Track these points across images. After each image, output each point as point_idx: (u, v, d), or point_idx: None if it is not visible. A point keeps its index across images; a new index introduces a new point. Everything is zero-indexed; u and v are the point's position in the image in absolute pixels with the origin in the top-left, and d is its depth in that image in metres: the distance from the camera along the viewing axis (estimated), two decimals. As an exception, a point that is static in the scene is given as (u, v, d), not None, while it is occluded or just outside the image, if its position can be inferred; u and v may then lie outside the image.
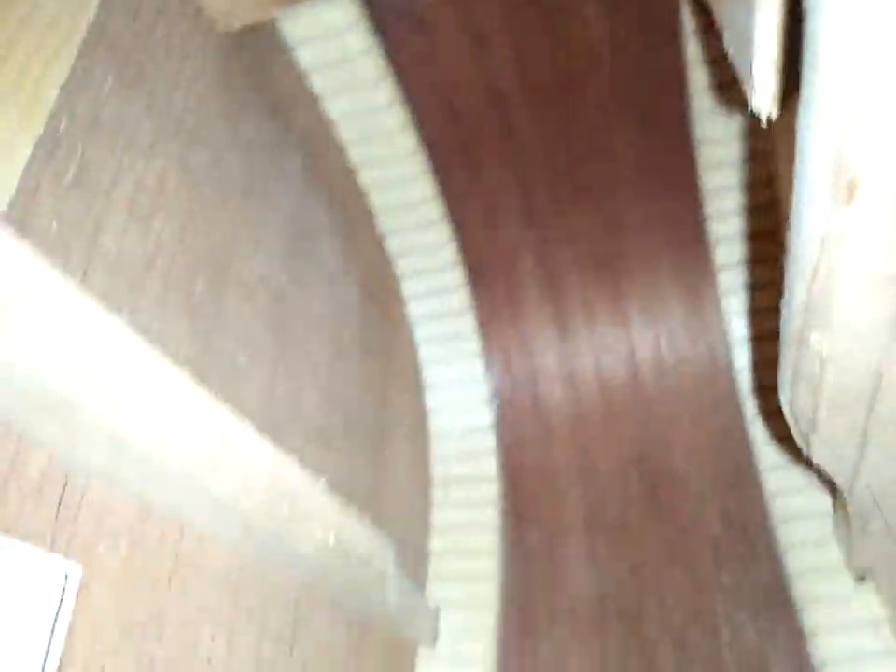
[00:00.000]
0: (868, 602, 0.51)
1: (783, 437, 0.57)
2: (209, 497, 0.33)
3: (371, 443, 0.57)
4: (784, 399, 0.33)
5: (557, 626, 0.57)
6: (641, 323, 0.67)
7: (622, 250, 0.67)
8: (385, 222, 0.69)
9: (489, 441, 0.68)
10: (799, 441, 0.36)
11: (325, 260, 0.56)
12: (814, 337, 0.28)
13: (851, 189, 0.22)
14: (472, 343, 0.70)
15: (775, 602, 0.54)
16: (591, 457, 0.66)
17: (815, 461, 0.37)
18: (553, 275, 0.70)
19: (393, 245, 0.69)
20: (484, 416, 0.68)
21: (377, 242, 0.69)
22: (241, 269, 0.45)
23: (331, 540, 0.39)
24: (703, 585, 0.57)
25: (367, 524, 0.43)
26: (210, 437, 0.34)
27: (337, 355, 0.55)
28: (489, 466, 0.67)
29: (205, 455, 0.33)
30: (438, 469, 0.67)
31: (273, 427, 0.44)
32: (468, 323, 0.70)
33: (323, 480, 0.39)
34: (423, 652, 0.58)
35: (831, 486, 0.42)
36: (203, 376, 0.39)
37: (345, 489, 0.50)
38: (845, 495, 0.42)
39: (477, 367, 0.70)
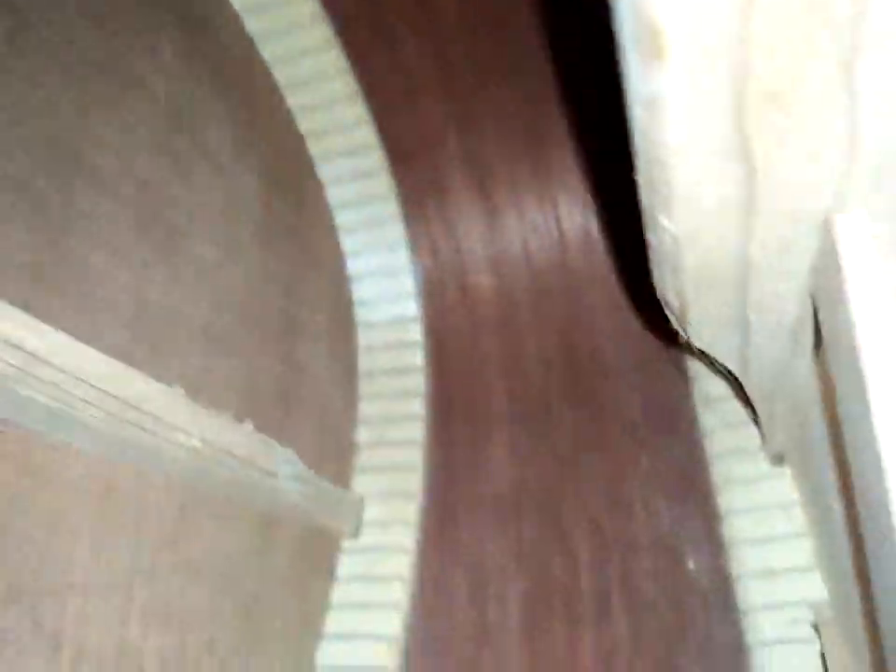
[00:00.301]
0: (782, 485, 0.50)
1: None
2: (47, 407, 0.31)
3: (280, 341, 0.55)
4: (655, 282, 0.30)
5: (477, 515, 0.57)
6: (570, 204, 0.63)
7: (549, 126, 0.62)
8: (293, 100, 0.63)
9: (416, 332, 0.65)
10: (676, 326, 0.33)
11: (213, 149, 0.52)
12: (661, 216, 0.25)
13: (657, 42, 0.19)
14: (397, 231, 0.66)
15: (691, 486, 0.54)
16: (518, 346, 0.64)
17: (696, 346, 0.35)
18: (477, 156, 0.65)
19: (305, 125, 0.64)
20: (411, 307, 0.66)
21: (286, 122, 0.64)
22: (96, 157, 0.41)
23: (198, 444, 0.37)
24: (620, 470, 0.56)
25: (246, 426, 0.42)
26: (46, 345, 0.31)
27: (232, 252, 0.51)
28: (416, 357, 0.65)
29: (44, 364, 0.31)
30: (364, 361, 0.65)
31: (145, 334, 0.41)
32: (391, 209, 0.66)
33: (178, 386, 0.37)
34: (346, 545, 0.58)
35: (727, 373, 0.40)
36: (47, 283, 0.37)
37: (246, 390, 0.49)
38: (742, 380, 0.40)
39: (402, 256, 0.66)
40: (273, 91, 0.63)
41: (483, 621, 0.53)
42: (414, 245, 0.67)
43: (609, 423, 0.57)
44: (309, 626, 0.53)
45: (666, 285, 0.30)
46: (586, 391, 0.60)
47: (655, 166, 0.23)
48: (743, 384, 0.40)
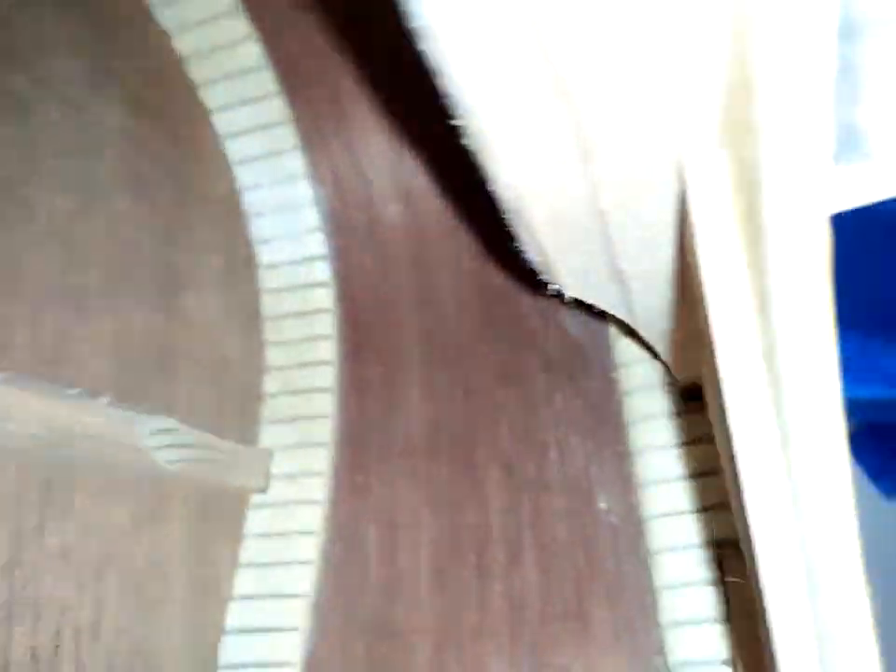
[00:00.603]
0: (694, 421, 0.48)
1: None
2: None
3: (160, 294, 0.50)
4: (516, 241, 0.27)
5: (389, 461, 0.55)
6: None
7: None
8: (166, 18, 0.57)
9: (323, 272, 0.61)
10: (550, 283, 0.30)
11: (60, 79, 0.46)
12: (494, 168, 0.21)
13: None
14: (295, 160, 0.61)
15: (604, 423, 0.52)
16: (430, 281, 0.60)
17: (569, 294, 0.31)
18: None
19: (182, 46, 0.57)
20: (316, 244, 0.61)
21: (158, 44, 0.57)
22: None
23: (40, 432, 0.34)
24: (535, 409, 0.54)
25: (101, 401, 0.38)
26: None
27: (92, 199, 0.46)
28: (324, 298, 0.61)
29: None
30: (267, 305, 0.61)
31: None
32: (288, 138, 0.61)
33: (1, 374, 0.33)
34: (255, 500, 0.56)
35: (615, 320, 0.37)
36: None
37: (116, 355, 0.45)
38: (633, 325, 0.37)
39: (303, 188, 0.61)
40: (139, 7, 0.56)
41: (394, 573, 0.51)
42: (316, 175, 0.62)
43: (524, 360, 0.54)
44: (214, 590, 0.51)
45: (524, 243, 0.26)
46: (502, 328, 0.57)
47: (468, 111, 0.19)
48: (635, 328, 0.37)
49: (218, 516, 0.53)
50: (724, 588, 0.42)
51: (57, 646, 0.38)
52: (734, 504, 0.42)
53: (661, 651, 0.42)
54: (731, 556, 0.43)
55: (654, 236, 0.25)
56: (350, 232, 0.62)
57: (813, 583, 0.22)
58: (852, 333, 0.81)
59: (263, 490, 0.56)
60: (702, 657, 0.42)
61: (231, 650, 0.48)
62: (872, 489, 1.02)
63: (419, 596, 0.50)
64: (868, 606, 0.21)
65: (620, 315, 0.34)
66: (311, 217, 0.61)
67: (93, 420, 0.37)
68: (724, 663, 0.41)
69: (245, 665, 0.48)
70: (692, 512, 0.46)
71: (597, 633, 0.44)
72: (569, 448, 0.52)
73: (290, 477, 0.56)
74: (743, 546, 0.42)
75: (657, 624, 0.44)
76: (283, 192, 0.62)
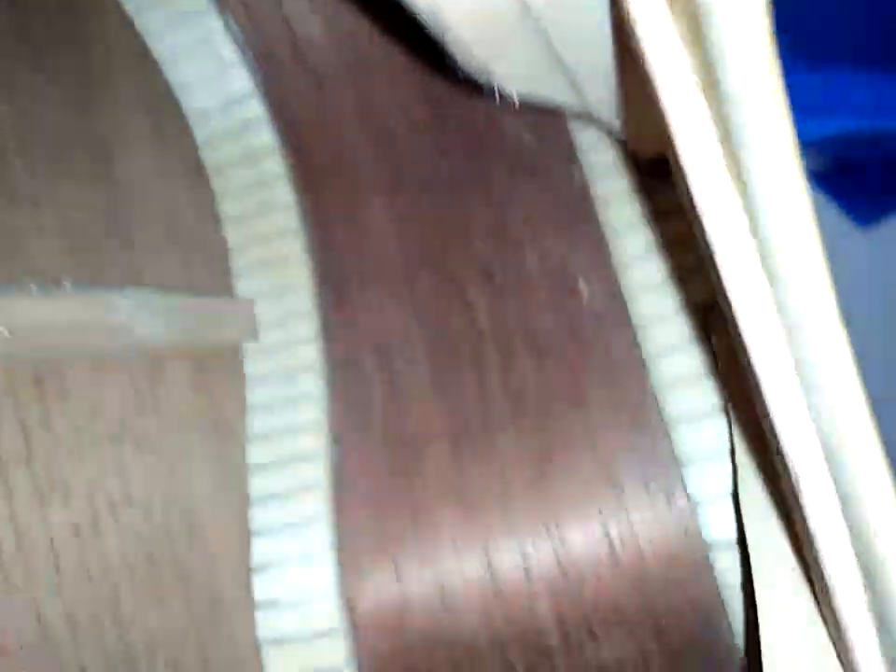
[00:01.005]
0: (664, 192, 0.47)
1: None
2: None
3: (91, 167, 0.48)
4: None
5: (369, 288, 0.55)
6: None
7: None
8: None
9: (256, 109, 0.57)
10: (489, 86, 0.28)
11: None
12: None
13: None
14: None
15: (577, 209, 0.51)
16: (372, 101, 0.56)
17: (514, 92, 0.30)
18: None
19: None
20: (242, 80, 0.57)
21: None
22: None
23: (6, 334, 0.33)
24: (502, 210, 0.53)
25: (64, 289, 0.37)
26: None
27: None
28: (265, 136, 0.58)
29: None
30: (208, 156, 0.58)
31: None
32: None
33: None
34: (247, 348, 0.56)
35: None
36: None
37: (64, 240, 0.43)
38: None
39: (212, 22, 0.56)
40: None
41: (395, 380, 0.53)
42: (223, 6, 0.56)
43: (484, 166, 0.52)
44: (229, 435, 0.53)
45: (453, 51, 0.24)
46: (456, 137, 0.54)
47: None
48: (588, 112, 0.35)
49: (218, 368, 0.54)
50: (711, 345, 0.44)
51: (95, 520, 0.40)
52: (709, 270, 0.43)
53: (658, 411, 0.45)
54: (714, 317, 0.44)
55: (593, 22, 0.23)
56: (274, 61, 0.57)
57: (789, 326, 0.23)
58: (818, 67, 0.78)
59: (254, 338, 0.56)
60: (696, 409, 0.45)
61: (259, 484, 0.51)
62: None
63: (425, 406, 0.52)
64: (843, 336, 0.22)
65: (569, 104, 0.33)
66: (228, 51, 0.57)
67: (62, 309, 0.36)
68: (718, 410, 0.44)
69: (276, 496, 0.51)
70: (671, 279, 0.46)
71: (596, 412, 0.46)
72: (544, 242, 0.52)
73: (278, 321, 0.56)
74: (722, 305, 0.43)
75: (651, 389, 0.46)
76: (193, 29, 0.56)
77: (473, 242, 0.53)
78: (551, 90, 0.31)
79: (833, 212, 1.02)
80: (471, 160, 0.53)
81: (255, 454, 0.53)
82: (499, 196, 0.52)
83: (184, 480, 0.48)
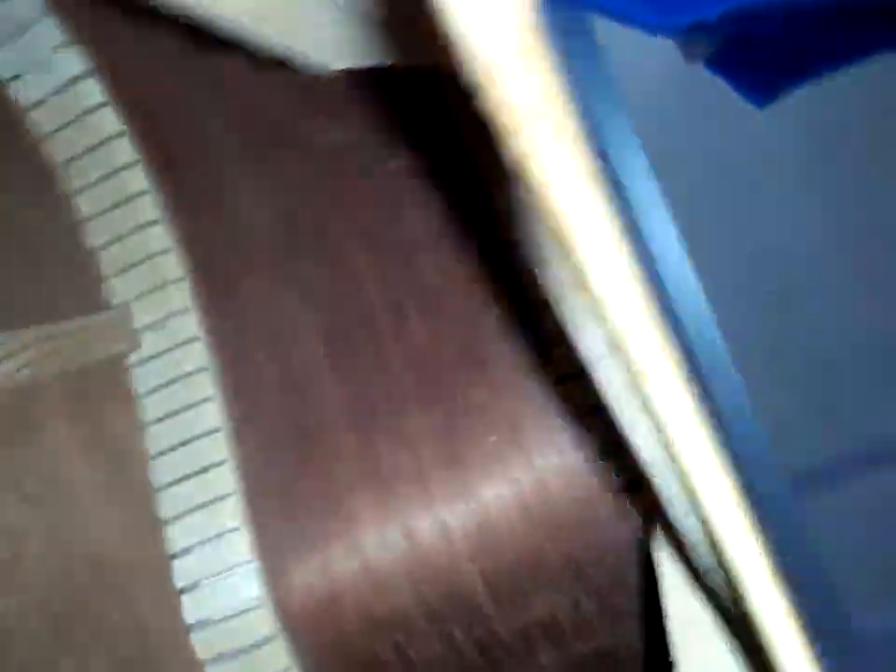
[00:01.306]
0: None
1: None
2: None
3: None
4: None
5: (251, 275, 0.52)
6: None
7: None
8: None
9: (94, 90, 0.52)
10: None
11: None
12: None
13: None
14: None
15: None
16: (210, 78, 0.52)
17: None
18: None
19: None
20: (76, 65, 0.51)
21: None
22: None
23: None
24: (382, 168, 0.50)
25: None
26: None
27: None
28: (110, 120, 0.53)
29: None
30: (60, 151, 0.53)
31: None
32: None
33: None
34: (132, 360, 0.53)
35: None
36: None
37: None
38: None
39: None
40: None
41: (294, 377, 0.50)
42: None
43: (332, 131, 0.49)
44: (129, 458, 0.50)
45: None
46: (321, 98, 0.50)
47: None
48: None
49: (100, 394, 0.50)
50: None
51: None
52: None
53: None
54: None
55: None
56: (109, 46, 0.51)
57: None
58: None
59: (136, 348, 0.53)
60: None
61: (169, 503, 0.49)
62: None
63: (325, 392, 0.50)
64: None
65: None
66: (54, 36, 0.50)
67: None
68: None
69: (189, 512, 0.49)
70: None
71: (495, 368, 0.45)
72: (420, 196, 0.49)
73: (158, 325, 0.53)
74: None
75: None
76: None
77: (348, 210, 0.50)
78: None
79: (732, 93, 1.01)
80: (320, 128, 0.49)
81: (159, 472, 0.51)
82: (363, 161, 0.49)
83: (88, 519, 0.45)
